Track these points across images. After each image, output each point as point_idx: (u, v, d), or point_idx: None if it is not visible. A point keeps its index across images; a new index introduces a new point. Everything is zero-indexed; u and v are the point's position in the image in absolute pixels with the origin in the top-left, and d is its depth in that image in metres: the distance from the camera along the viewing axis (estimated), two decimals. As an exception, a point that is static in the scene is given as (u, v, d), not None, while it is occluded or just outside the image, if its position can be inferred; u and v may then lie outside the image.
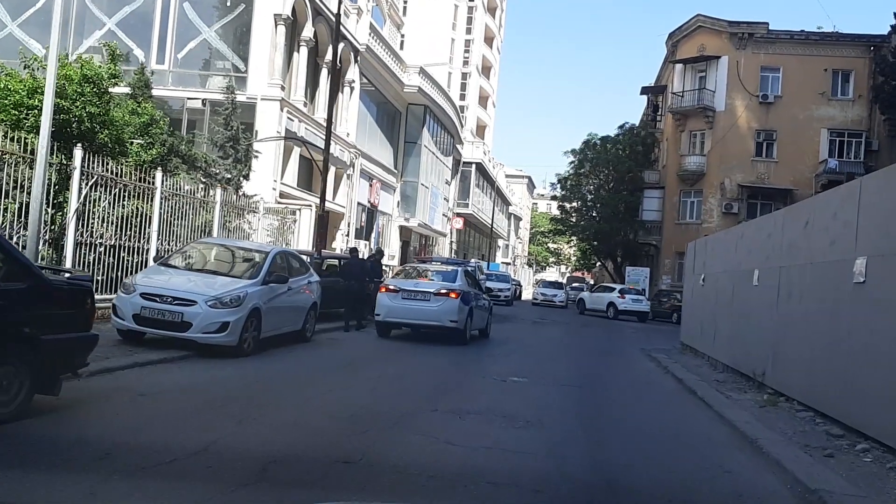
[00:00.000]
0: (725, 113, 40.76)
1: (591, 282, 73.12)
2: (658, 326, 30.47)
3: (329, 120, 15.89)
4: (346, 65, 27.93)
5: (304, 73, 24.03)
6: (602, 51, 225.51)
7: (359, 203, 30.43)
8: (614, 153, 47.89)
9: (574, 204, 51.29)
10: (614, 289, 35.82)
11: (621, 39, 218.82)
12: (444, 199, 44.63)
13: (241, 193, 19.69)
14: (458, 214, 52.09)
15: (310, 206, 21.47)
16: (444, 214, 45.09)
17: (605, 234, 47.54)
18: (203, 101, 21.98)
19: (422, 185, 37.68)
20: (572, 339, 19.77)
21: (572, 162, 51.14)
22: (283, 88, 22.35)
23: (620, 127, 50.28)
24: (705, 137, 41.83)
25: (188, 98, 22.43)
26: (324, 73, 26.14)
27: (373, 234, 33.62)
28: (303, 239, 21.22)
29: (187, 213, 16.14)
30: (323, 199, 15.56)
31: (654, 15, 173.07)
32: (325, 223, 15.67)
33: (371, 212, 33.29)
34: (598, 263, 64.64)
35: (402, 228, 37.04)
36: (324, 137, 25.61)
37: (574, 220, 51.97)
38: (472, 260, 41.87)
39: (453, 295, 13.84)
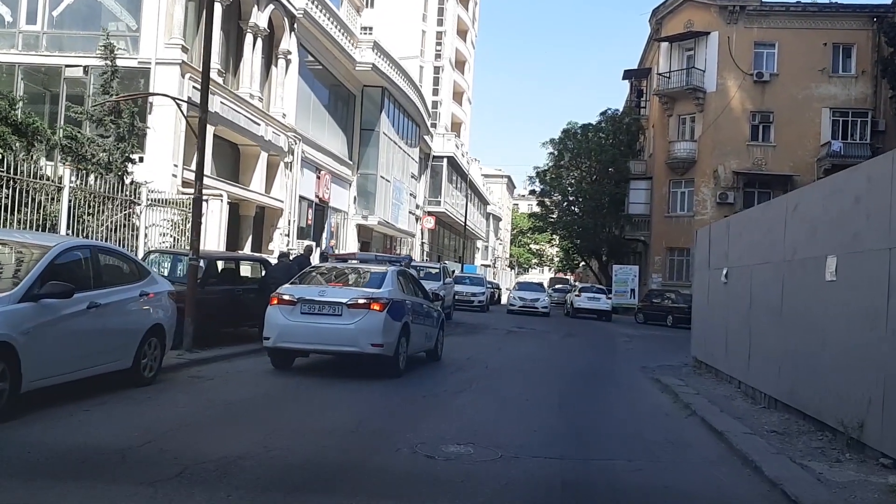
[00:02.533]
0: (717, 94, 37.42)
1: (576, 283, 69.43)
2: (652, 331, 26.45)
3: (207, 56, 11.48)
4: (280, 32, 23.56)
5: (217, 36, 19.63)
6: (582, 39, 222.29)
7: (302, 197, 26.03)
8: (596, 141, 43.99)
9: (555, 198, 47.32)
10: (576, 287, 37.31)
11: (602, 24, 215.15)
12: (411, 195, 40.28)
13: (130, 181, 15.39)
14: (430, 213, 47.86)
15: (220, 195, 17.11)
16: (411, 212, 40.72)
17: (589, 229, 43.69)
18: (85, 68, 17.55)
19: (382, 178, 33.31)
20: (553, 357, 15.49)
21: (551, 153, 47.21)
22: (185, 50, 17.91)
23: (602, 114, 46.42)
24: (695, 122, 38.43)
25: (66, 66, 18.01)
26: (248, 39, 21.75)
27: (324, 234, 29.26)
28: (212, 236, 16.90)
29: (37, 201, 11.93)
30: (200, 174, 11.15)
31: None
32: (201, 209, 11.22)
33: (321, 208, 28.93)
34: (582, 263, 60.70)
35: (360, 228, 32.67)
36: (249, 116, 21.42)
37: (555, 216, 48.02)
38: (444, 262, 37.63)
39: (376, 307, 9.61)
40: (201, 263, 11.73)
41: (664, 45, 39.56)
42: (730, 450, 6.87)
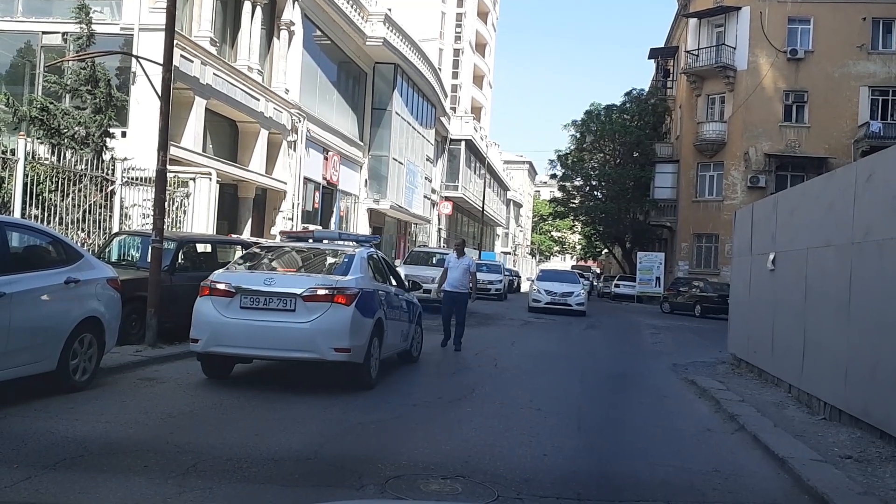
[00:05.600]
0: (748, 72, 35.54)
1: (598, 271, 67.80)
2: (679, 322, 24.80)
3: (172, 6, 9.98)
4: (282, 1, 22.06)
5: (210, 2, 18.17)
6: (607, 19, 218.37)
7: (308, 179, 24.60)
8: (620, 123, 42.14)
9: (577, 182, 45.56)
10: None
11: (626, 2, 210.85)
12: (426, 178, 38.72)
13: (109, 157, 14.05)
14: (447, 198, 46.30)
15: (208, 173, 15.71)
16: (426, 197, 39.19)
17: (612, 215, 41.95)
18: (64, 35, 16.20)
19: (394, 160, 31.78)
20: (573, 353, 13.93)
21: (573, 135, 45.44)
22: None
23: (627, 94, 44.49)
24: (725, 101, 36.58)
25: (44, 32, 16.69)
26: (246, 7, 20.27)
27: (333, 219, 27.85)
28: (200, 218, 15.52)
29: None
30: (164, 145, 9.69)
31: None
32: (165, 183, 9.78)
33: (330, 191, 27.50)
34: (605, 250, 58.94)
35: (371, 212, 31.21)
36: (247, 90, 20.00)
37: (577, 201, 46.28)
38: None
39: (341, 299, 7.55)
40: (170, 246, 10.36)
41: (692, 21, 37.73)
42: (797, 485, 5.32)
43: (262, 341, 7.48)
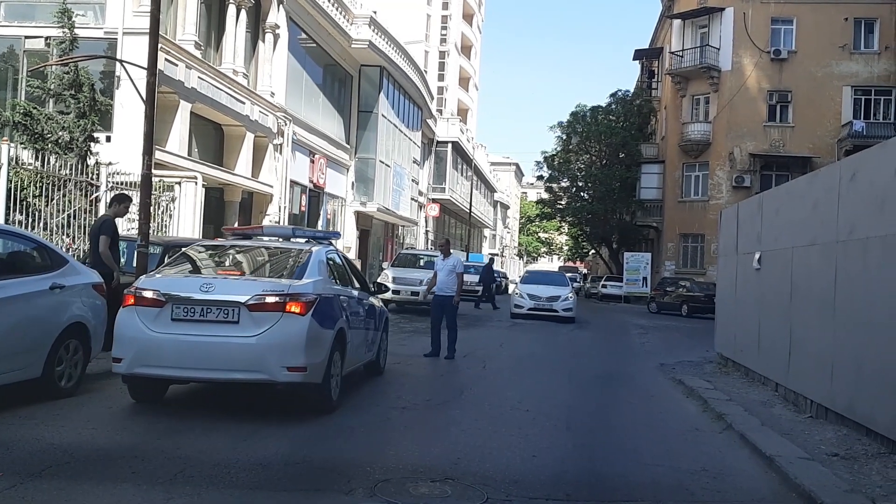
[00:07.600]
0: (732, 73, 35.88)
1: (585, 271, 68.05)
2: (666, 321, 24.95)
3: (156, 10, 9.91)
4: (266, 4, 22.01)
5: (194, 6, 18.11)
6: (592, 20, 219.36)
7: (295, 182, 24.52)
8: (606, 124, 42.30)
9: (563, 183, 45.69)
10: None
11: (611, 4, 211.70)
12: (413, 181, 38.72)
13: (94, 162, 13.97)
14: (434, 200, 46.34)
15: (194, 177, 15.63)
16: (413, 199, 39.19)
17: (599, 215, 42.10)
18: (47, 39, 16.11)
19: (381, 162, 31.76)
20: (561, 354, 13.96)
21: (559, 137, 45.57)
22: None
23: (612, 95, 44.62)
24: (710, 102, 36.86)
25: (26, 36, 16.56)
26: (231, 10, 20.20)
27: (320, 222, 27.78)
28: (186, 222, 15.44)
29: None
30: (149, 149, 9.62)
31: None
32: (150, 188, 9.74)
33: (316, 194, 27.43)
34: (592, 251, 59.11)
35: (358, 215, 31.16)
36: (232, 93, 19.92)
37: (563, 202, 46.42)
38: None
39: (295, 307, 6.31)
40: (156, 250, 10.29)
41: (677, 22, 37.99)
42: (784, 483, 5.35)
43: (199, 361, 6.27)
